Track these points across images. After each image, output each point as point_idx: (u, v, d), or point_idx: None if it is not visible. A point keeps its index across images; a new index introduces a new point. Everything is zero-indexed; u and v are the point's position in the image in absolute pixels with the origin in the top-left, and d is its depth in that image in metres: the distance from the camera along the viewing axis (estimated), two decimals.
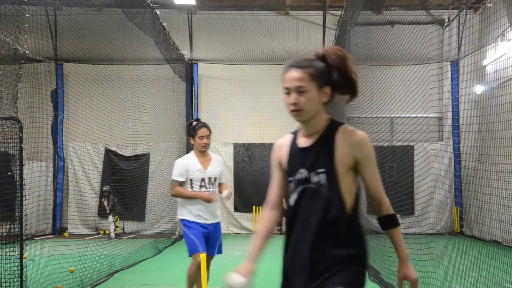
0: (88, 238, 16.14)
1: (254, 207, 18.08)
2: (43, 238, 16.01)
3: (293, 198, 2.84)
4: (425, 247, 7.91)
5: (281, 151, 2.95)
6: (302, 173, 2.79)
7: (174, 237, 15.83)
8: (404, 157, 15.24)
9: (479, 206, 13.74)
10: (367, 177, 2.79)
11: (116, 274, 9.85)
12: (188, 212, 6.13)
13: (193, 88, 18.58)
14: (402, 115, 10.58)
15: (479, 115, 14.06)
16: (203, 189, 6.16)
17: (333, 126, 2.79)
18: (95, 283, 8.73)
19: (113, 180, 17.05)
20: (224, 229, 18.16)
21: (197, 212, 6.13)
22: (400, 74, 9.83)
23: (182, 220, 6.19)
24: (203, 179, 6.16)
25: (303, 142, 2.84)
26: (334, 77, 2.74)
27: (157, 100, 16.70)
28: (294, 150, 2.87)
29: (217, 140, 18.60)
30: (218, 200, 6.40)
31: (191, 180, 6.14)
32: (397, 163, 15.62)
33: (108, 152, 18.00)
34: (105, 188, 16.45)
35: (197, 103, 18.62)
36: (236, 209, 18.30)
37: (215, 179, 6.31)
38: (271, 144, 18.44)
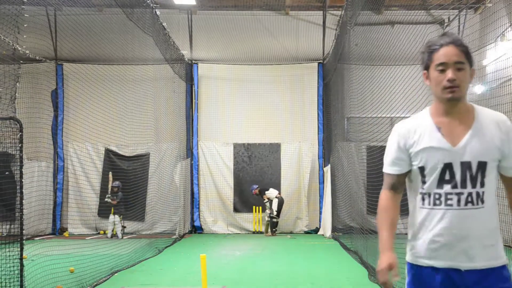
0: (88, 238, 16.13)
1: (254, 207, 18.07)
2: (43, 238, 16.02)
3: None
4: None
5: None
6: None
7: (174, 237, 15.82)
8: None
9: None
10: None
11: (116, 274, 9.85)
12: (416, 245, 2.87)
13: (193, 88, 18.58)
14: (402, 115, 10.57)
15: None
16: (450, 194, 2.77)
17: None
18: (95, 283, 8.73)
19: (113, 180, 17.02)
20: (224, 229, 18.25)
21: (433, 244, 2.80)
22: (400, 74, 9.81)
23: (407, 263, 2.96)
24: (448, 167, 2.76)
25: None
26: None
27: (157, 100, 16.71)
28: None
29: (217, 140, 18.60)
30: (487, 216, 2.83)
31: (420, 169, 2.83)
32: None
33: (108, 152, 18.00)
34: (115, 184, 16.35)
35: (197, 103, 18.62)
36: (235, 209, 18.29)
37: (481, 167, 2.77)
38: (271, 144, 18.49)
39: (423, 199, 2.84)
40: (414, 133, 2.86)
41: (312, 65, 18.60)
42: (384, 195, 2.99)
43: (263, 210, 17.86)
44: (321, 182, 18.18)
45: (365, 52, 11.56)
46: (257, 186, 17.69)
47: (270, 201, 17.33)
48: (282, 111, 18.60)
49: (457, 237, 2.74)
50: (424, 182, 2.83)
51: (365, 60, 11.61)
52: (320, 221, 17.88)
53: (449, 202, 2.75)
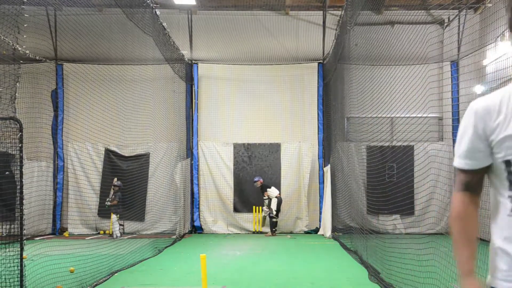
0: (88, 238, 16.13)
1: (254, 207, 18.08)
2: (43, 238, 16.01)
3: None
4: (425, 247, 7.91)
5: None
6: None
7: (174, 237, 15.81)
8: (404, 157, 15.24)
9: (479, 206, 13.74)
10: None
11: (116, 274, 9.86)
12: (503, 264, 2.12)
13: (193, 88, 18.59)
14: (402, 115, 10.60)
15: None
16: None
17: None
18: (95, 283, 8.73)
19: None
20: (224, 229, 18.25)
21: None
22: (400, 74, 9.82)
23: None
24: None
25: None
26: None
27: (157, 100, 16.70)
28: None
29: (217, 140, 18.60)
30: None
31: (506, 164, 2.11)
32: (397, 163, 15.61)
33: (108, 152, 18.00)
34: (116, 183, 16.38)
35: (197, 103, 18.62)
36: (236, 209, 18.29)
37: None
38: (271, 144, 18.49)
39: (510, 185, 2.08)
40: (498, 113, 2.07)
41: (312, 65, 18.60)
42: (457, 200, 2.24)
43: (263, 209, 17.89)
44: (321, 182, 18.18)
45: (365, 52, 11.56)
46: (261, 178, 17.71)
47: (269, 199, 17.36)
48: (282, 111, 18.60)
49: None
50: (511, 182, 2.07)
51: (365, 60, 11.61)
52: (320, 221, 17.88)
53: None
